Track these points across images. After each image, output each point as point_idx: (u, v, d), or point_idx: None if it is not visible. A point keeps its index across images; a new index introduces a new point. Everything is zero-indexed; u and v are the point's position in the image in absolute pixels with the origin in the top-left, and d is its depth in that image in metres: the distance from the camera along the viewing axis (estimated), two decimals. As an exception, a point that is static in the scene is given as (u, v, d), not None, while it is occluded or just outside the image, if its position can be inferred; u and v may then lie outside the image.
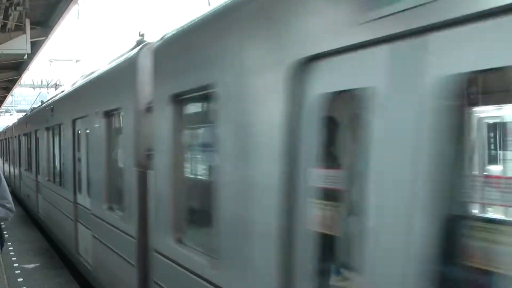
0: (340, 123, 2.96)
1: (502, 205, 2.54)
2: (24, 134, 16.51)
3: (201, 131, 4.68)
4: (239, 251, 3.19)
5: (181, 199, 4.31)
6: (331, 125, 2.73)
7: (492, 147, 3.59)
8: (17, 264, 10.13)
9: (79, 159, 8.53)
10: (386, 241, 2.15)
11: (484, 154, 3.43)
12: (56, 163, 11.01)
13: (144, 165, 5.13)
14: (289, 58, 2.60)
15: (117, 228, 5.98)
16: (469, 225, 2.36)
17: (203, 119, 4.40)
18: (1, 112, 41.14)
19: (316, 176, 2.61)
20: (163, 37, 4.68)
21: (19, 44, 11.61)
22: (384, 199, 2.16)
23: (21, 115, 29.66)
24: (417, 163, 2.00)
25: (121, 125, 6.12)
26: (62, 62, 26.76)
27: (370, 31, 2.15)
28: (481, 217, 2.63)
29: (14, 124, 22.39)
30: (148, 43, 5.35)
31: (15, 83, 21.55)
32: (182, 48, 4.27)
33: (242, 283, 3.18)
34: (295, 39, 2.64)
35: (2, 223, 5.48)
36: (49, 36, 12.97)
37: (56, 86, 26.79)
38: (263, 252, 2.92)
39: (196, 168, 4.82)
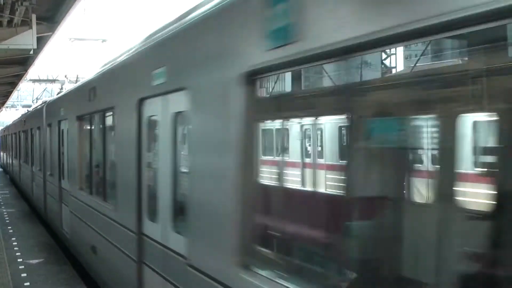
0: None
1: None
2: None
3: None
4: None
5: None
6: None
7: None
8: (21, 259, 10.16)
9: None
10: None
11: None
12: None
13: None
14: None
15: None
16: None
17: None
18: (7, 106, 41.30)
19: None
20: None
21: (25, 39, 11.61)
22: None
23: (25, 110, 29.62)
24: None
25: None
26: (86, 42, 22.86)
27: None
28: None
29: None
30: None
31: (21, 78, 21.60)
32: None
33: None
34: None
35: None
36: (55, 31, 12.97)
37: (76, 79, 22.67)
38: None
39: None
